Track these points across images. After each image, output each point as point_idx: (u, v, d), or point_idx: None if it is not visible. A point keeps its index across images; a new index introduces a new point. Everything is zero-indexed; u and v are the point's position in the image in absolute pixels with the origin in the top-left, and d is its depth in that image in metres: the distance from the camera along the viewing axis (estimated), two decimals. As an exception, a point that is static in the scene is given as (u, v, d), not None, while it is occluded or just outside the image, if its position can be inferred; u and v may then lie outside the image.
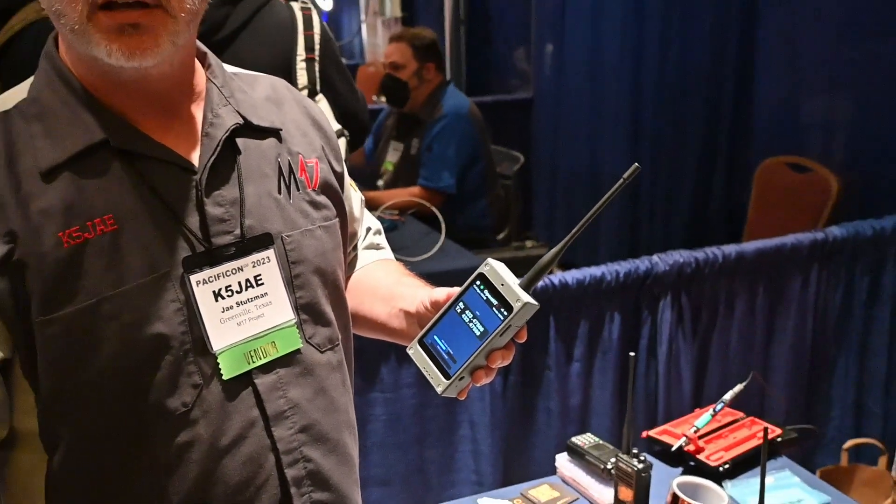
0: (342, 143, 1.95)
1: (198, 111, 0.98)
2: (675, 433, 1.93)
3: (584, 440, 1.85)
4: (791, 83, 3.50)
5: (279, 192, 1.01)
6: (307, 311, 1.01)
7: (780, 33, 3.48)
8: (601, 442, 1.84)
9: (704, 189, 3.94)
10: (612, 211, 4.28)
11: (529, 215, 5.04)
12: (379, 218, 2.91)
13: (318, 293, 1.03)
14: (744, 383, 1.97)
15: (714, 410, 1.94)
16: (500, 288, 0.97)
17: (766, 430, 1.63)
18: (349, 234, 1.19)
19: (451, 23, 5.70)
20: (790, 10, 3.41)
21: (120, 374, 0.88)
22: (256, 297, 0.96)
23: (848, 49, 3.22)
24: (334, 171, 1.11)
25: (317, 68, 2.00)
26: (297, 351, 0.99)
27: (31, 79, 0.95)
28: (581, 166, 4.64)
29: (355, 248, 1.27)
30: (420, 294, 1.09)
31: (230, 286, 0.94)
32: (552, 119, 4.93)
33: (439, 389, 0.99)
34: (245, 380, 0.94)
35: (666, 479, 1.73)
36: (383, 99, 3.60)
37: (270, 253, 0.97)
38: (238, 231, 0.95)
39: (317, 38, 2.02)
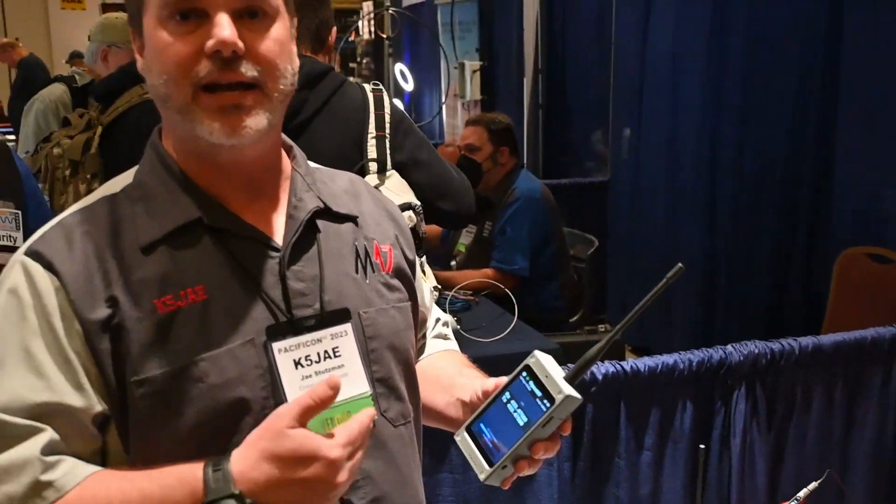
0: (409, 214, 2.00)
1: (283, 194, 1.06)
2: (747, 529, 1.88)
3: (653, 532, 1.82)
4: (872, 172, 3.46)
5: (356, 272, 1.07)
6: (382, 385, 1.06)
7: (860, 122, 3.46)
8: (670, 534, 1.81)
9: (782, 278, 3.87)
10: (686, 297, 4.24)
11: (603, 298, 5.02)
12: (452, 298, 2.97)
13: (393, 369, 1.08)
14: (818, 481, 1.92)
15: (788, 507, 1.89)
16: (544, 380, 1.00)
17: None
18: (420, 320, 1.24)
19: (530, 106, 5.82)
20: (871, 98, 3.39)
21: (203, 434, 0.94)
22: (334, 368, 1.00)
23: (932, 140, 3.18)
24: (407, 259, 1.17)
25: (387, 145, 2.09)
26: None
27: (137, 166, 1.05)
28: (656, 251, 4.62)
29: (424, 335, 1.32)
30: (476, 384, 1.13)
31: (309, 356, 0.99)
32: (628, 202, 4.95)
33: (482, 477, 1.01)
34: None
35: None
36: None
37: (348, 327, 1.02)
38: (318, 305, 1.01)
39: (387, 118, 2.11)
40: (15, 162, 1.97)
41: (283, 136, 1.09)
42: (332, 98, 2.08)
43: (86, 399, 0.93)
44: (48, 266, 0.94)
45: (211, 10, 0.92)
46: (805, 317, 3.74)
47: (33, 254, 0.95)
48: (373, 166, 2.05)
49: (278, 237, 1.02)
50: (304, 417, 0.88)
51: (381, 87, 2.17)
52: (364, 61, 9.74)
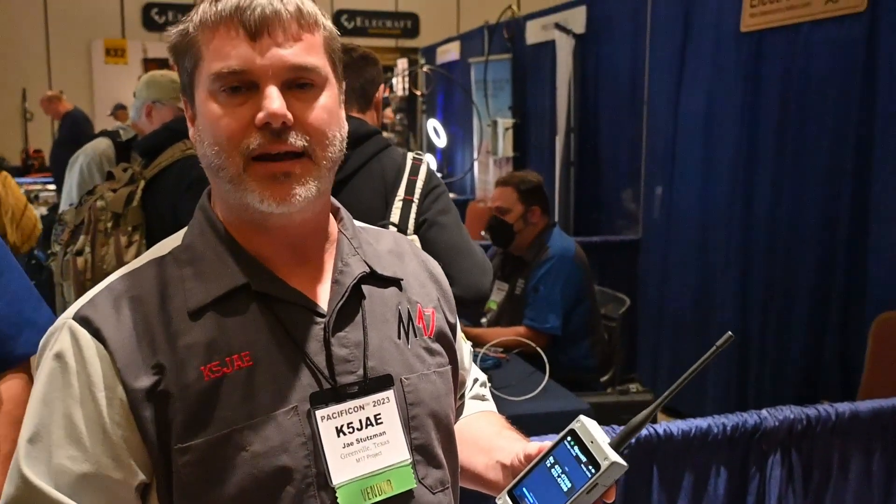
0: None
1: (329, 258, 1.07)
2: None
3: None
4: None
5: (399, 338, 1.08)
6: (421, 453, 1.06)
7: (894, 182, 3.44)
8: None
9: (816, 341, 3.82)
10: (720, 360, 4.17)
11: (634, 357, 4.99)
12: (483, 356, 2.96)
13: (432, 435, 1.08)
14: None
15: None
16: (589, 445, 0.99)
17: None
18: (458, 382, 1.24)
19: (562, 163, 5.85)
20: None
21: (245, 502, 0.94)
22: (375, 436, 1.01)
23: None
24: (448, 322, 1.18)
25: (412, 210, 2.11)
26: (411, 491, 1.03)
27: (186, 228, 1.07)
28: (688, 311, 4.59)
29: (462, 396, 1.32)
30: (517, 447, 1.13)
31: (352, 423, 1.00)
32: (660, 261, 4.94)
33: None
34: None
35: None
36: (488, 235, 3.71)
37: (390, 394, 1.03)
38: (361, 371, 1.02)
39: (419, 184, 2.13)
40: None
41: (332, 198, 1.11)
42: (374, 158, 2.13)
43: (125, 471, 0.94)
44: (95, 333, 0.95)
45: (261, 82, 0.95)
46: (840, 381, 3.68)
47: (81, 319, 0.96)
48: (391, 230, 2.07)
49: (323, 302, 1.03)
50: None
51: (422, 156, 2.20)
52: (398, 117, 9.89)
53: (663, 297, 4.86)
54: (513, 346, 3.15)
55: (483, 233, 3.85)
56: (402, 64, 10.23)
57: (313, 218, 1.05)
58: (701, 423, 2.07)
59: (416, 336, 1.10)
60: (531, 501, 1.01)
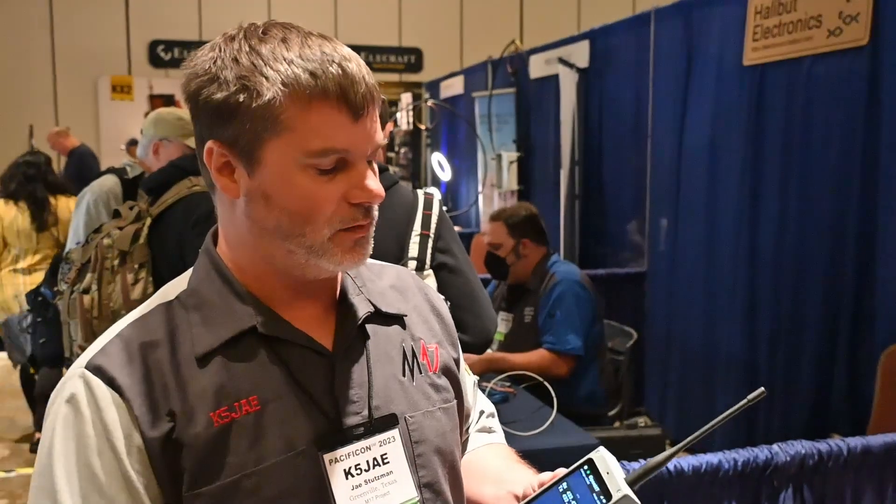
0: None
1: (333, 297, 1.08)
2: None
3: None
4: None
5: (403, 375, 1.08)
6: (429, 490, 1.06)
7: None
8: None
9: (825, 374, 3.78)
10: (727, 393, 4.17)
11: (642, 391, 4.96)
12: (491, 390, 2.95)
13: (439, 473, 1.08)
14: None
15: None
16: (604, 476, 0.99)
17: None
18: (464, 416, 1.24)
19: (567, 197, 5.86)
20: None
21: None
22: (383, 476, 1.01)
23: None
24: (452, 356, 1.19)
25: (429, 244, 2.13)
26: None
27: (191, 271, 1.08)
28: (695, 344, 4.57)
29: (468, 430, 1.32)
30: (530, 478, 1.13)
31: (359, 464, 1.00)
32: (666, 294, 4.92)
33: None
34: None
35: None
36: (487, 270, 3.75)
37: (395, 433, 1.04)
38: (366, 412, 1.02)
39: (433, 219, 2.18)
40: None
41: None
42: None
43: None
44: (110, 382, 0.95)
45: (356, 160, 0.98)
46: (850, 414, 3.65)
47: (95, 369, 0.96)
48: (412, 264, 2.09)
49: (328, 343, 1.04)
50: None
51: (433, 192, 2.25)
52: (402, 151, 9.93)
53: (671, 329, 4.84)
54: (522, 381, 3.14)
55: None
56: (406, 98, 10.29)
57: None
58: (711, 458, 2.06)
59: (420, 372, 1.11)
60: None
